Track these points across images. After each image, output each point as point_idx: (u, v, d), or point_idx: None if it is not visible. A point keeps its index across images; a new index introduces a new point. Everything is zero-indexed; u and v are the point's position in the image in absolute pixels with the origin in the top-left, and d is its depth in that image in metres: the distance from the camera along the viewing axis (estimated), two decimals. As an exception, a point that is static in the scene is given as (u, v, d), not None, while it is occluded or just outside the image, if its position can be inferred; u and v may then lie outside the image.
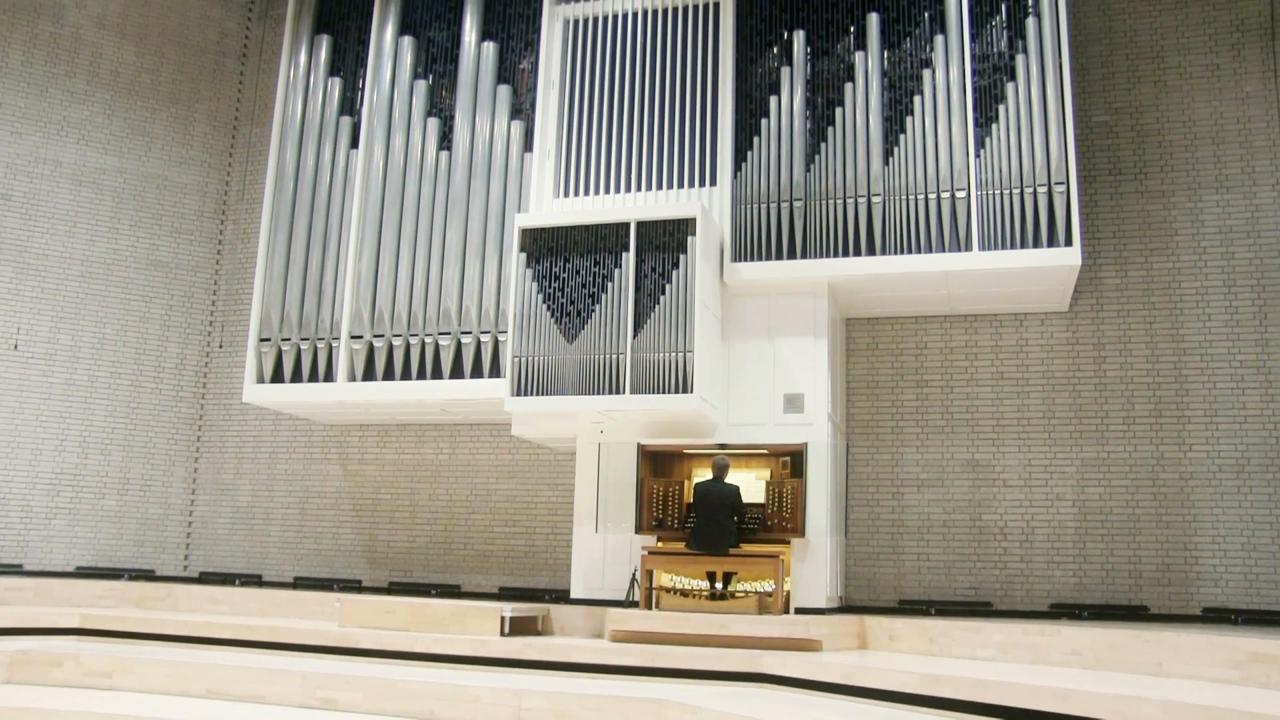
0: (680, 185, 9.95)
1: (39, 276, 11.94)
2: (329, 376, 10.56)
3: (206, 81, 13.16)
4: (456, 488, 11.51)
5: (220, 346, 12.70)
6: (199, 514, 12.47)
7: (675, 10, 10.36)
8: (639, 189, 10.04)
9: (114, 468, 12.10)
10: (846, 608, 9.72)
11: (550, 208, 10.28)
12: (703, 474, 9.37)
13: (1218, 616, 8.98)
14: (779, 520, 9.02)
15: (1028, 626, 7.76)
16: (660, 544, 9.23)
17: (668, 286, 9.07)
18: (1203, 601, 9.18)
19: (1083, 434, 9.75)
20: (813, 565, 9.01)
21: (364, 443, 11.96)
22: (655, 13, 10.40)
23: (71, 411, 11.95)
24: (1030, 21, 9.30)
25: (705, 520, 8.90)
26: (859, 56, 9.67)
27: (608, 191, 10.15)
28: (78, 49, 12.52)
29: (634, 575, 9.12)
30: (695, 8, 10.32)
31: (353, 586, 11.28)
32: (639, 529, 9.26)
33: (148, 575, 11.85)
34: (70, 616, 10.01)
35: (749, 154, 9.75)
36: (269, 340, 10.78)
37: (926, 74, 9.48)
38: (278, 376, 10.75)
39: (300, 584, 11.47)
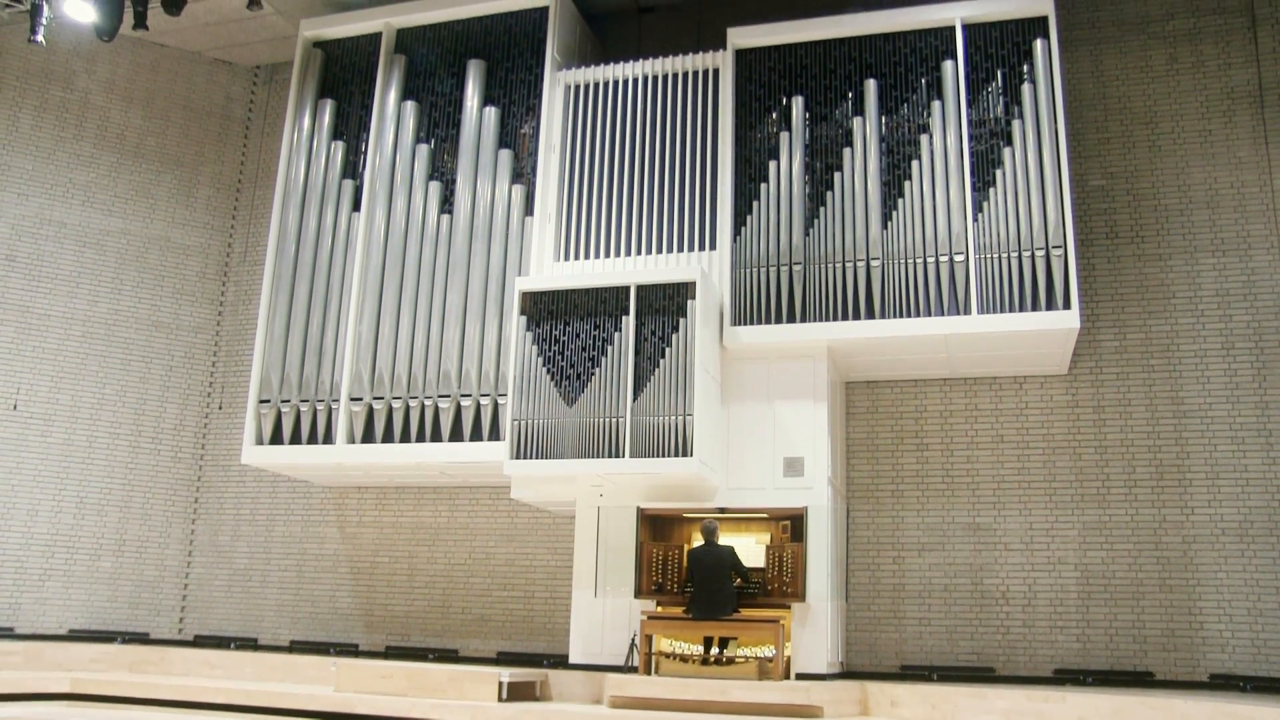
0: (680, 249, 10.02)
1: (40, 337, 11.98)
2: (328, 438, 10.53)
3: (211, 145, 13.31)
4: (455, 551, 11.43)
5: (220, 408, 12.69)
6: (195, 576, 12.37)
7: (675, 76, 10.51)
8: (639, 253, 10.11)
9: (110, 529, 12.03)
10: (848, 673, 9.61)
11: (551, 271, 10.34)
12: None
13: (1225, 683, 8.86)
14: (779, 584, 8.95)
15: (1032, 692, 7.68)
16: (660, 608, 9.15)
17: (667, 350, 9.09)
18: (1209, 668, 9.07)
19: (1084, 497, 9.71)
20: (813, 630, 8.92)
21: (362, 505, 11.90)
22: (655, 79, 10.55)
23: (69, 471, 11.91)
24: (1026, 88, 9.43)
25: (703, 585, 8.83)
26: (857, 122, 9.79)
27: (608, 255, 10.21)
28: (86, 113, 12.69)
29: (633, 640, 9.03)
30: (695, 74, 10.47)
31: (349, 651, 11.16)
32: (638, 593, 9.19)
33: (142, 638, 11.72)
34: (61, 681, 9.88)
35: (748, 218, 9.83)
36: (268, 402, 10.78)
37: (924, 139, 9.59)
38: (277, 438, 10.73)
39: (296, 648, 11.34)
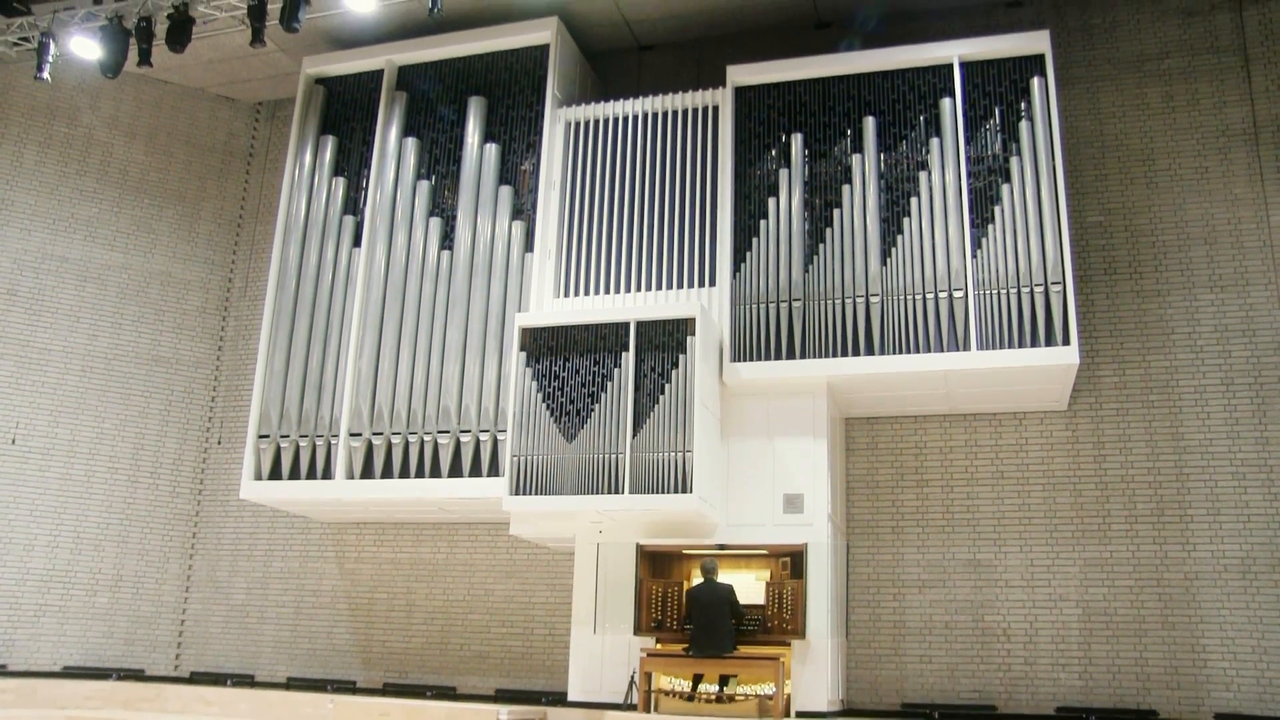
0: (680, 286, 10.04)
1: (40, 371, 11.98)
2: (327, 474, 10.50)
3: (213, 180, 13.37)
4: (454, 587, 11.37)
5: (219, 443, 12.67)
6: (192, 612, 12.30)
7: (675, 113, 10.58)
8: (639, 289, 10.14)
9: (107, 564, 11.97)
10: (848, 711, 9.53)
11: (550, 307, 10.36)
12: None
13: (1229, 723, 8.81)
14: (779, 621, 8.89)
15: (1035, 733, 7.61)
16: (659, 645, 9.08)
17: (667, 386, 9.09)
18: (1214, 706, 9.00)
19: (1084, 533, 9.67)
20: (814, 667, 8.85)
21: (361, 541, 11.85)
22: (655, 116, 10.62)
23: (66, 507, 11.87)
24: (1023, 125, 9.49)
25: (703, 623, 8.77)
26: (856, 159, 9.85)
27: (608, 291, 10.24)
28: (89, 149, 12.77)
29: (633, 677, 8.96)
30: (695, 111, 10.54)
31: (347, 688, 11.06)
32: (638, 630, 9.12)
33: (137, 675, 11.63)
34: (54, 719, 9.79)
35: (748, 255, 9.86)
36: (268, 437, 10.76)
37: (923, 176, 9.64)
38: (275, 473, 10.70)
39: (293, 684, 11.24)
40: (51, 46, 10.75)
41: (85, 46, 10.82)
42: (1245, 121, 10.18)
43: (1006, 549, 9.82)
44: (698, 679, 8.71)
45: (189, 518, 12.54)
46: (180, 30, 10.43)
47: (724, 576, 9.02)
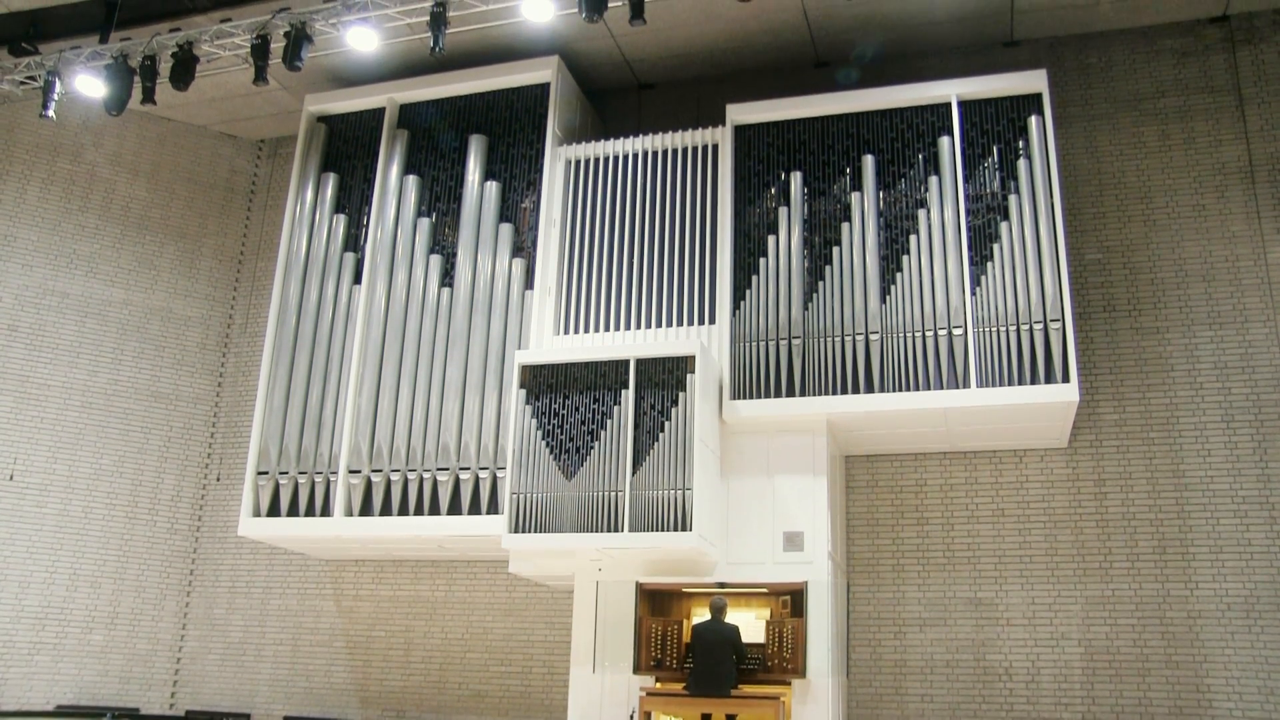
0: (679, 323, 10.06)
1: (39, 406, 11.97)
2: (326, 511, 10.46)
3: (214, 217, 13.43)
4: (452, 626, 11.30)
5: (218, 479, 12.64)
6: (188, 650, 12.21)
7: (675, 152, 10.65)
8: (638, 326, 10.16)
9: (103, 601, 11.90)
10: (851, 753, 9.45)
11: (550, 344, 10.37)
12: (701, 613, 9.21)
13: (1234, 764, 8.73)
14: (779, 661, 8.84)
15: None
16: (659, 685, 9.01)
17: (666, 424, 9.08)
18: (1218, 748, 8.93)
19: (1086, 571, 9.63)
20: (814, 707, 8.78)
21: (359, 579, 11.79)
22: (655, 154, 10.68)
23: (63, 543, 11.82)
24: (1021, 163, 9.55)
25: (704, 661, 8.71)
26: (855, 197, 9.90)
27: (608, 329, 10.26)
28: (93, 185, 12.84)
29: (632, 716, 8.88)
30: (694, 149, 10.61)
31: (343, 727, 10.99)
32: (637, 669, 9.06)
33: (132, 714, 11.51)
34: (50, 760, 9.73)
35: (747, 292, 9.88)
36: (266, 473, 10.73)
37: (921, 214, 9.68)
38: (274, 510, 10.66)
39: (289, 724, 11.17)
40: (57, 85, 10.86)
41: (90, 85, 10.91)
42: (1241, 160, 10.24)
43: (1008, 587, 9.77)
44: (706, 718, 8.63)
45: (186, 554, 12.48)
46: (184, 68, 10.51)
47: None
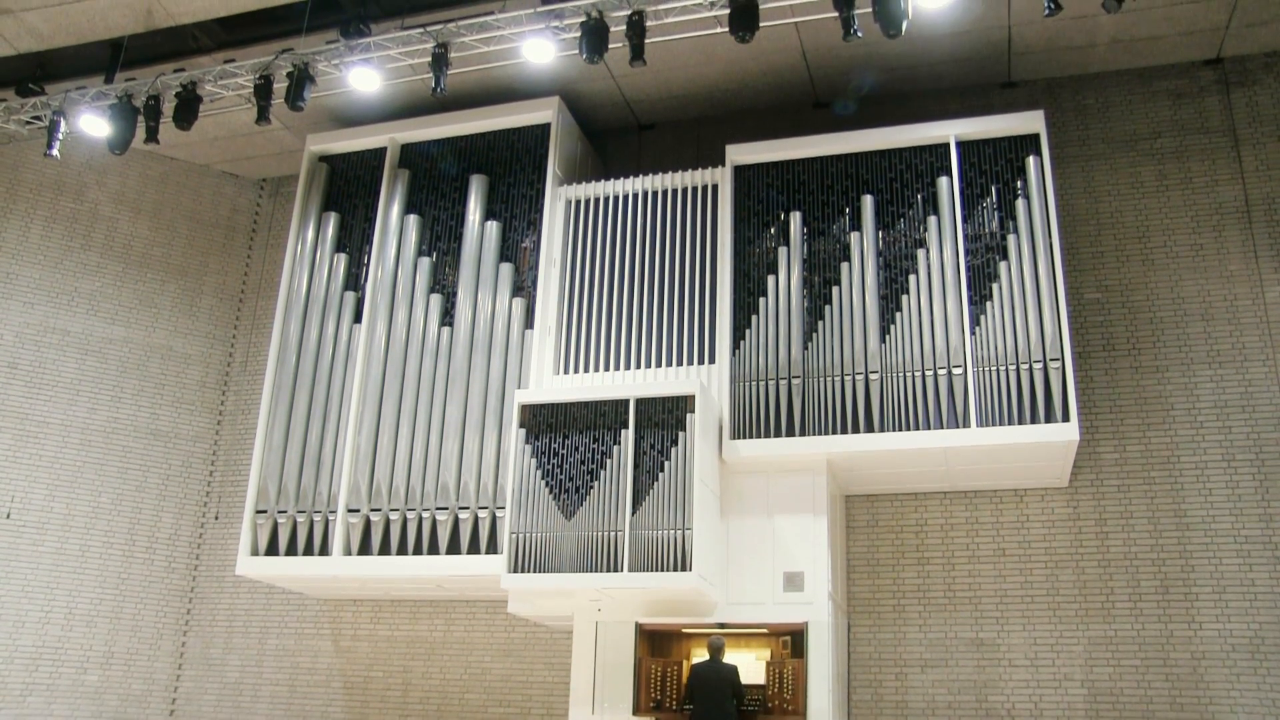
0: (679, 363, 10.07)
1: (38, 444, 11.95)
2: (324, 550, 10.42)
3: (215, 255, 13.48)
4: (450, 666, 11.21)
5: (216, 518, 12.59)
6: (184, 690, 12.11)
7: (675, 192, 10.71)
8: (638, 366, 10.16)
9: (99, 641, 11.81)
10: (853, 797, 9.35)
11: (550, 384, 10.37)
12: (701, 654, 9.15)
13: (1241, 810, 8.63)
14: (780, 702, 8.77)
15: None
16: (659, 727, 8.95)
17: (666, 464, 9.06)
18: (1225, 793, 8.84)
19: (1088, 611, 9.57)
20: (816, 750, 8.71)
21: (357, 618, 11.71)
22: (655, 194, 10.74)
23: (60, 582, 11.75)
24: (1020, 203, 9.60)
25: (704, 703, 8.63)
26: (854, 237, 9.94)
27: (607, 368, 10.26)
28: (95, 223, 12.90)
29: (632, 760, 8.81)
30: (694, 189, 10.67)
31: (340, 770, 10.87)
32: (636, 710, 8.98)
33: (127, 756, 11.43)
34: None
35: (747, 332, 9.90)
36: (265, 512, 10.69)
37: (920, 253, 9.72)
38: (272, 549, 10.61)
39: (285, 767, 11.05)
40: (62, 124, 10.96)
41: (94, 124, 11.00)
42: (1238, 200, 10.30)
43: (1009, 628, 9.71)
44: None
45: (184, 593, 12.41)
46: (187, 108, 10.60)
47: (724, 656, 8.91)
